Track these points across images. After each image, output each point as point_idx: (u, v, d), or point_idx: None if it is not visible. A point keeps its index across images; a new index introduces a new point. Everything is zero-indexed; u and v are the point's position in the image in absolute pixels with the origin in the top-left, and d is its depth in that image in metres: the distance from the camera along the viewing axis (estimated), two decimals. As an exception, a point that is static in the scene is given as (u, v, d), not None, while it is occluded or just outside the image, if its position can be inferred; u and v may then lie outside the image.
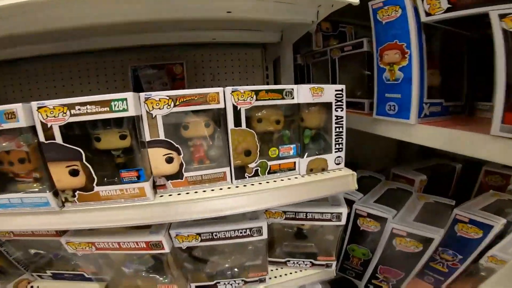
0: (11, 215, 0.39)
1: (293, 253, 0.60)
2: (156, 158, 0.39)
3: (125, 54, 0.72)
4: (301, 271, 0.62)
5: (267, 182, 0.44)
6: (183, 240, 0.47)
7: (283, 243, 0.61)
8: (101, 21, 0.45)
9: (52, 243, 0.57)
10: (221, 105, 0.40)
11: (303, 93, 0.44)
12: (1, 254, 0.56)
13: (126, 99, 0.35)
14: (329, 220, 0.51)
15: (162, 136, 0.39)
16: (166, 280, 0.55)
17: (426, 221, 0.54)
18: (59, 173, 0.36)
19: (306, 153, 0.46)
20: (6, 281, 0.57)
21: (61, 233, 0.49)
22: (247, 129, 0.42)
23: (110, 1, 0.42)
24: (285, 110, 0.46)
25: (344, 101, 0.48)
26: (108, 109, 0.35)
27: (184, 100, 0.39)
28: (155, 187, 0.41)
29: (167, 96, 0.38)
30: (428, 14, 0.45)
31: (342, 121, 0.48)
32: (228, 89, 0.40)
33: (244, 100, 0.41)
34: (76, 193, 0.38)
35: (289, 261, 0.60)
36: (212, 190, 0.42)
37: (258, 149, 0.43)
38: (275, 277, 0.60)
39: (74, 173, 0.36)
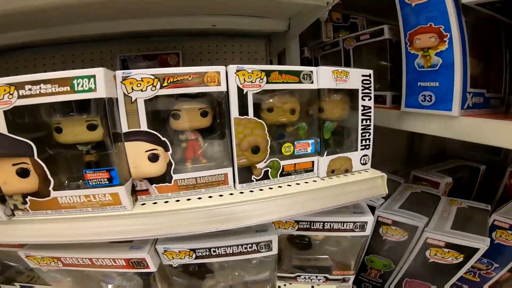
0: None
1: (304, 266, 0.48)
2: (136, 155, 0.28)
3: (115, 43, 0.61)
4: (313, 287, 0.50)
5: (279, 187, 0.32)
6: (174, 257, 0.35)
7: (292, 255, 0.49)
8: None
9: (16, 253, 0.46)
10: (223, 88, 0.29)
11: (324, 77, 0.33)
12: None
13: (94, 76, 0.24)
14: (352, 230, 0.40)
15: (144, 127, 0.27)
16: None
17: (465, 229, 0.42)
18: (5, 173, 0.25)
19: (327, 151, 0.35)
20: None
21: (22, 244, 0.37)
22: (255, 118, 0.30)
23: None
24: (301, 98, 0.34)
25: (372, 88, 0.37)
26: (69, 89, 0.24)
27: (175, 80, 0.27)
28: (134, 192, 0.29)
29: (152, 74, 0.27)
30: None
31: (370, 112, 0.36)
32: (232, 67, 0.29)
33: (252, 82, 0.30)
34: (27, 199, 0.26)
35: (299, 276, 0.48)
36: (210, 197, 0.30)
37: (269, 145, 0.32)
38: (283, 294, 0.49)
39: (23, 173, 0.25)
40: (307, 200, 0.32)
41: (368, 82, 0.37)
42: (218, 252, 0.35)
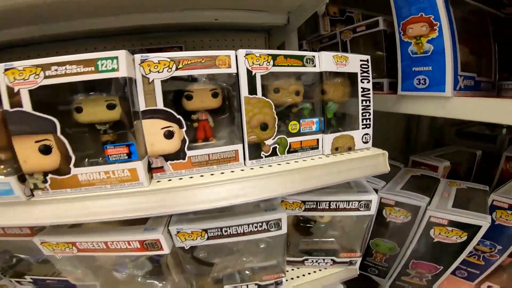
0: None
1: (310, 250, 0.51)
2: (153, 132, 0.31)
3: (118, 39, 0.64)
4: (320, 270, 0.52)
5: (287, 163, 0.35)
6: (186, 238, 0.37)
7: (299, 240, 0.51)
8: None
9: (29, 243, 0.47)
10: (233, 70, 0.32)
11: (326, 61, 0.37)
12: None
13: (117, 57, 0.27)
14: (357, 209, 0.43)
15: (160, 105, 0.30)
16: (166, 286, 0.45)
17: (466, 208, 0.45)
18: (27, 150, 0.27)
19: (330, 129, 0.38)
20: None
21: (36, 231, 0.39)
22: (264, 98, 0.34)
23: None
24: (305, 81, 0.38)
25: (370, 72, 0.41)
26: (93, 69, 0.27)
27: (189, 63, 0.31)
28: (150, 170, 0.32)
29: (168, 57, 0.30)
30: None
31: (369, 93, 0.40)
32: (241, 51, 0.32)
33: (259, 64, 0.33)
34: (47, 178, 0.28)
35: (307, 259, 0.51)
36: (222, 173, 0.33)
37: (276, 123, 0.35)
38: (292, 278, 0.51)
39: (45, 150, 0.27)
40: (313, 176, 0.35)
41: (366, 66, 0.41)
42: (229, 232, 0.38)
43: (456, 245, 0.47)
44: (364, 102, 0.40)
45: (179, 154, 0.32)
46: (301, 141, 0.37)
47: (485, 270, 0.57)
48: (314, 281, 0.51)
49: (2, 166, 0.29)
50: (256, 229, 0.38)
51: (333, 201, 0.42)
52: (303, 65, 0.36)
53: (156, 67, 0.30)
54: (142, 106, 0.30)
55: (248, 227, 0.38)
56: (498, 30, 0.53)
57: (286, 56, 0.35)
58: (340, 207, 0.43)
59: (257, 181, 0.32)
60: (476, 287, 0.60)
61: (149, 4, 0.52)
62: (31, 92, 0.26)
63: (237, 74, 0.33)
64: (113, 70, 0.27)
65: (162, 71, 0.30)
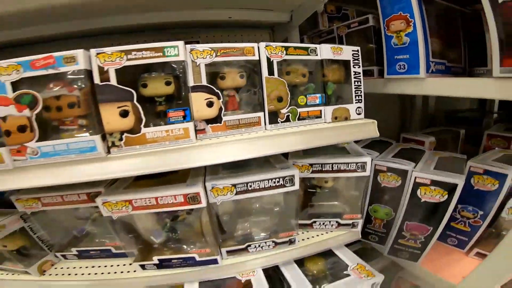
0: (53, 166, 0.42)
1: (318, 214, 0.66)
2: (199, 102, 0.46)
3: (141, 35, 0.80)
4: (327, 233, 0.67)
5: (298, 127, 0.51)
6: (218, 193, 0.52)
7: (307, 205, 0.66)
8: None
9: (80, 213, 0.60)
10: (256, 57, 0.48)
11: (325, 51, 0.54)
12: (25, 232, 0.58)
13: (177, 46, 0.42)
14: (355, 170, 0.58)
15: (204, 82, 0.46)
16: (198, 245, 0.58)
17: (445, 170, 0.61)
18: (110, 114, 0.42)
19: (330, 103, 0.54)
20: (29, 263, 0.58)
21: (94, 197, 0.52)
22: (279, 78, 0.50)
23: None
24: (310, 67, 0.54)
25: (360, 60, 0.57)
26: (161, 54, 0.42)
27: (224, 51, 0.46)
28: (196, 132, 0.47)
29: (210, 48, 0.46)
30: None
31: (359, 76, 0.57)
32: (262, 44, 0.49)
33: (276, 53, 0.49)
34: (123, 136, 0.43)
35: (315, 222, 0.66)
36: (249, 134, 0.48)
37: (289, 97, 0.51)
38: (303, 239, 0.65)
39: (124, 114, 0.42)
40: (318, 137, 0.50)
41: (357, 55, 0.57)
42: (253, 187, 0.52)
43: (440, 204, 0.62)
44: (356, 82, 0.57)
45: (217, 119, 0.47)
46: (307, 111, 0.53)
47: (473, 236, 0.73)
48: (321, 241, 0.66)
49: (84, 129, 0.43)
50: (275, 184, 0.53)
51: (335, 163, 0.58)
52: (308, 54, 0.53)
53: (201, 54, 0.45)
54: (191, 82, 0.45)
55: (268, 182, 0.52)
56: (466, 24, 0.71)
57: (295, 48, 0.51)
58: (341, 169, 0.58)
59: (275, 139, 0.48)
60: (467, 254, 0.76)
61: (175, 4, 0.68)
62: (116, 70, 0.41)
63: (259, 60, 0.49)
64: (175, 55, 0.42)
65: (206, 58, 0.45)
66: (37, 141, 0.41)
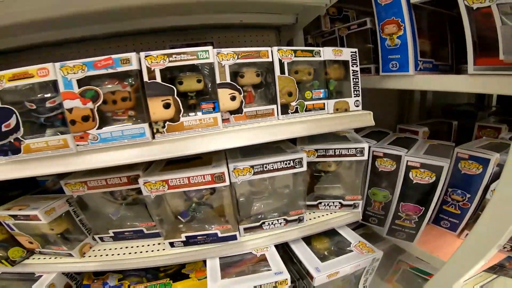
0: (109, 150, 0.57)
1: (322, 195, 0.82)
2: (224, 96, 0.62)
3: (160, 35, 0.96)
4: (331, 213, 0.83)
5: (305, 117, 0.67)
6: (239, 174, 0.67)
7: (313, 187, 0.82)
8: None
9: (116, 196, 0.75)
10: (270, 59, 0.64)
11: (327, 53, 0.70)
12: (69, 216, 0.73)
13: (208, 50, 0.58)
14: (354, 155, 0.74)
15: (228, 80, 0.62)
16: (219, 223, 0.74)
17: (433, 155, 0.78)
18: (155, 106, 0.57)
19: (332, 97, 0.71)
20: (71, 246, 0.73)
21: (133, 179, 0.68)
22: (289, 76, 0.66)
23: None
24: (314, 66, 0.70)
25: (357, 60, 0.74)
26: (196, 57, 0.58)
27: (244, 54, 0.62)
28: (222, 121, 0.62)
29: (233, 51, 0.62)
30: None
31: (357, 73, 0.74)
32: (275, 48, 0.65)
33: (286, 56, 0.66)
34: (165, 124, 0.58)
35: (320, 203, 0.81)
36: (264, 123, 0.64)
37: (297, 92, 0.67)
38: (310, 219, 0.81)
39: (167, 105, 0.58)
40: (322, 125, 0.67)
41: (355, 56, 0.74)
42: (268, 168, 0.68)
43: (429, 185, 0.78)
44: (354, 79, 0.73)
45: (238, 110, 0.63)
46: (313, 104, 0.69)
47: (463, 218, 0.89)
48: (326, 221, 0.82)
49: (133, 119, 0.59)
50: (286, 166, 0.69)
51: (337, 149, 0.74)
52: (313, 56, 0.69)
53: (226, 56, 0.61)
54: (217, 80, 0.61)
55: (281, 164, 0.68)
56: (453, 26, 0.88)
57: (302, 51, 0.68)
58: (342, 154, 0.74)
59: (286, 126, 0.64)
60: (458, 236, 0.92)
61: (195, 10, 0.84)
62: (160, 70, 0.57)
63: (272, 61, 0.65)
64: (206, 58, 0.58)
65: (229, 60, 0.61)
66: (97, 129, 0.56)
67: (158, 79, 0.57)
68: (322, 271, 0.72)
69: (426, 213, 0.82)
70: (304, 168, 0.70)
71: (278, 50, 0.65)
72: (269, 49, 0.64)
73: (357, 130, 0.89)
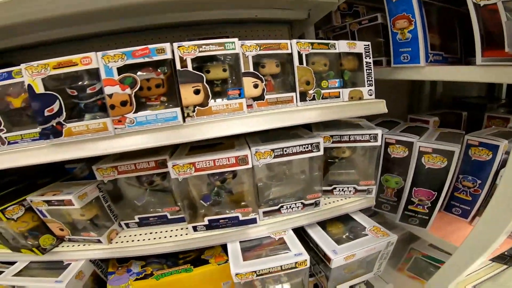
0: (144, 133, 0.65)
1: (337, 181, 0.89)
2: (247, 84, 0.70)
3: (177, 30, 1.05)
4: (345, 199, 0.90)
5: (322, 104, 0.75)
6: (260, 157, 0.75)
7: (328, 173, 0.89)
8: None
9: (142, 181, 0.83)
10: (289, 51, 0.73)
11: (342, 46, 0.79)
12: (98, 202, 0.80)
13: (234, 42, 0.67)
14: (368, 141, 0.82)
15: (251, 69, 0.70)
16: (240, 207, 0.81)
17: (445, 140, 0.85)
18: (187, 92, 0.66)
19: (347, 86, 0.79)
20: (100, 233, 0.81)
21: (161, 164, 0.76)
22: (307, 66, 0.74)
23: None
24: (330, 58, 0.79)
25: (370, 52, 0.82)
26: (223, 48, 0.66)
27: (266, 46, 0.71)
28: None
29: (255, 43, 0.70)
30: (425, -7, 0.83)
31: (370, 65, 0.82)
32: (294, 40, 0.73)
33: (304, 48, 0.74)
34: (195, 109, 0.66)
35: (335, 188, 0.89)
36: (284, 109, 0.72)
37: (314, 81, 0.75)
38: (325, 204, 0.88)
39: (197, 92, 0.66)
40: (337, 111, 0.75)
41: (368, 48, 0.82)
42: (288, 152, 0.76)
43: (441, 170, 0.86)
44: (367, 70, 0.81)
45: (260, 97, 0.71)
46: (329, 92, 0.77)
47: (474, 205, 0.96)
48: (341, 205, 0.89)
49: (166, 104, 0.67)
50: (304, 150, 0.76)
51: (351, 135, 0.82)
52: (329, 48, 0.77)
53: (249, 48, 0.70)
54: (242, 69, 0.69)
55: (299, 148, 0.76)
56: (462, 21, 0.97)
57: (319, 43, 0.76)
58: (356, 139, 0.82)
59: (305, 112, 0.72)
60: (470, 223, 0.99)
61: (213, 5, 0.93)
62: (192, 59, 0.65)
63: (291, 53, 0.73)
64: (232, 49, 0.67)
65: (252, 51, 0.70)
66: (133, 113, 0.64)
67: (190, 67, 0.65)
68: (339, 253, 0.79)
69: (439, 198, 0.89)
70: (321, 152, 0.78)
71: (297, 42, 0.73)
72: (288, 41, 0.73)
73: (369, 120, 0.97)
